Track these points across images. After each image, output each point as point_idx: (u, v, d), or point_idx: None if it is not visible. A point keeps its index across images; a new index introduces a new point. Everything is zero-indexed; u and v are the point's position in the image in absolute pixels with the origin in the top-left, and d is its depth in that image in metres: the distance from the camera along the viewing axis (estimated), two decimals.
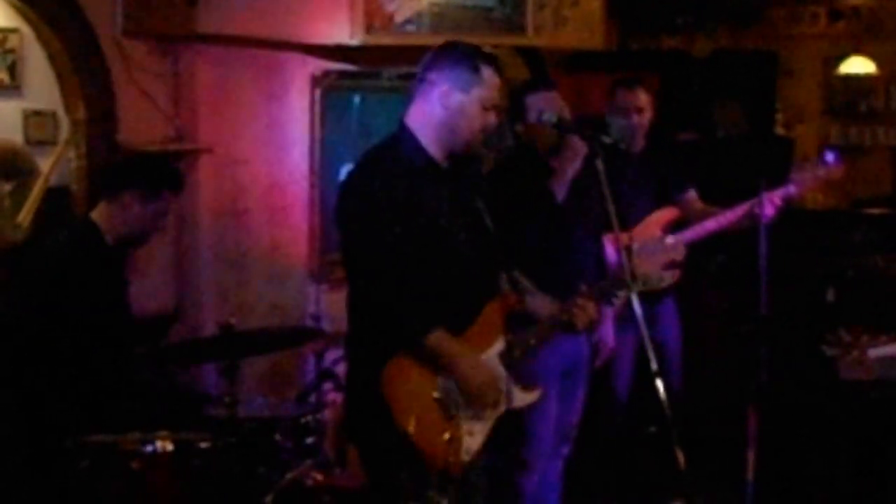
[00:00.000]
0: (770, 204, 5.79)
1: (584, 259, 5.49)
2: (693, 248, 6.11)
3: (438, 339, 4.18)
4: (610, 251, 5.75)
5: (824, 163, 6.18)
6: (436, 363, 4.20)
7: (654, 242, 5.95)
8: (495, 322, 4.43)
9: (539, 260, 4.95)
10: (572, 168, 5.24)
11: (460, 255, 4.34)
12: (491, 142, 6.82)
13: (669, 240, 5.95)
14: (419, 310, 4.18)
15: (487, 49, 4.53)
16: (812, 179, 6.02)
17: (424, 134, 4.33)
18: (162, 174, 5.29)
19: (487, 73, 4.30)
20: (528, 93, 5.48)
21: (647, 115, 6.36)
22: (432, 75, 4.32)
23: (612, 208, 4.30)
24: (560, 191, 5.27)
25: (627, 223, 6.03)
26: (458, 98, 4.28)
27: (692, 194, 6.39)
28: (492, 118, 4.35)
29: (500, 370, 4.37)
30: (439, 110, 4.30)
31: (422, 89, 4.34)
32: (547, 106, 5.22)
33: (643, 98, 6.36)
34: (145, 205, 5.06)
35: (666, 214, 6.21)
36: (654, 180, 6.32)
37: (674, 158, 6.53)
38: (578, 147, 4.97)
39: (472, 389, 4.25)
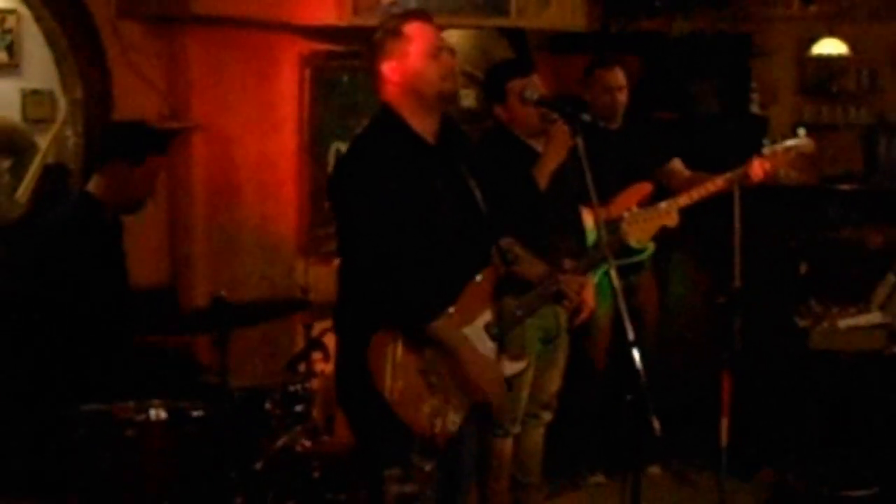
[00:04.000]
0: (760, 168, 5.77)
1: (565, 232, 5.51)
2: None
3: (438, 326, 4.18)
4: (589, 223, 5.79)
5: (796, 136, 6.20)
6: (425, 341, 4.20)
7: (648, 208, 5.95)
8: (484, 292, 4.43)
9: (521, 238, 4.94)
10: (557, 159, 5.26)
11: (450, 230, 4.32)
12: (468, 119, 6.80)
13: (662, 205, 5.92)
14: (414, 291, 4.18)
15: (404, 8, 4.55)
16: (783, 152, 6.00)
17: (403, 111, 4.32)
18: (143, 139, 5.30)
19: (411, 28, 4.29)
20: (507, 79, 5.48)
21: (626, 94, 6.42)
22: (374, 63, 4.33)
23: (591, 183, 4.30)
24: (542, 180, 5.28)
25: (606, 197, 6.06)
26: (400, 67, 4.27)
27: (676, 163, 6.40)
28: (446, 58, 4.32)
29: (488, 341, 4.38)
30: (395, 87, 4.30)
31: (376, 78, 4.35)
32: (540, 91, 5.23)
33: (621, 77, 6.42)
34: (132, 170, 5.06)
35: (642, 189, 6.19)
36: (631, 156, 6.34)
37: (650, 134, 6.55)
38: (564, 138, 4.95)
39: (471, 373, 4.23)
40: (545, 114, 5.24)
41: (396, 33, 4.28)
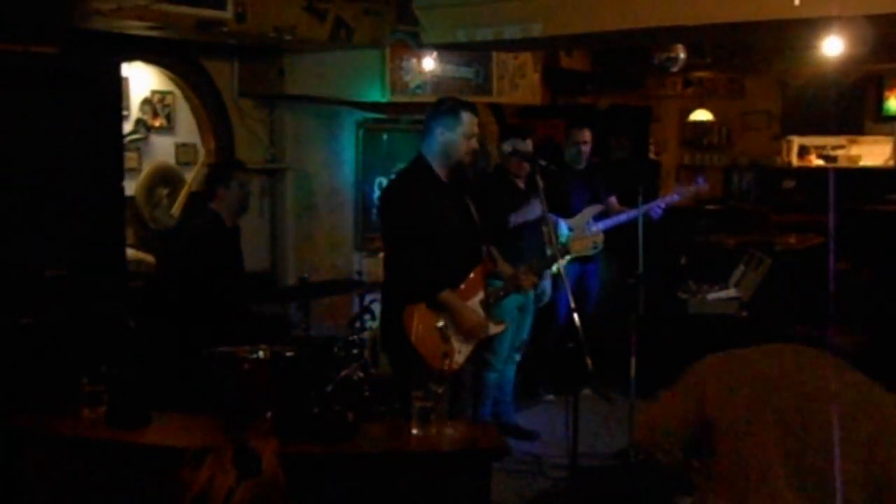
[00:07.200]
0: (658, 208, 5.85)
1: (529, 244, 5.50)
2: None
3: (447, 295, 4.19)
4: (562, 227, 6.03)
5: (696, 183, 6.31)
6: (441, 309, 4.19)
7: (585, 229, 6.03)
8: (479, 280, 4.43)
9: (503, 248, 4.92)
10: (527, 217, 5.37)
11: (457, 237, 4.32)
12: (472, 166, 6.83)
13: (594, 227, 6.03)
14: (433, 276, 4.17)
15: (465, 99, 4.52)
16: (687, 192, 6.14)
17: (432, 159, 4.31)
18: (225, 166, 5.32)
19: (465, 116, 4.26)
20: (513, 137, 5.54)
21: (589, 146, 6.40)
22: (431, 122, 4.30)
23: (545, 208, 4.30)
24: (516, 223, 5.39)
25: (574, 213, 6.11)
26: (447, 135, 4.25)
27: (613, 199, 6.45)
28: (474, 143, 4.32)
29: (481, 311, 4.37)
30: (437, 145, 4.27)
31: (427, 131, 4.32)
32: (518, 146, 5.34)
33: (587, 135, 6.40)
34: (228, 188, 5.03)
35: (595, 208, 6.29)
36: (591, 187, 6.37)
37: (604, 175, 6.55)
38: (537, 208, 4.90)
39: (467, 327, 4.26)
40: (523, 164, 5.32)
41: (455, 113, 4.25)
